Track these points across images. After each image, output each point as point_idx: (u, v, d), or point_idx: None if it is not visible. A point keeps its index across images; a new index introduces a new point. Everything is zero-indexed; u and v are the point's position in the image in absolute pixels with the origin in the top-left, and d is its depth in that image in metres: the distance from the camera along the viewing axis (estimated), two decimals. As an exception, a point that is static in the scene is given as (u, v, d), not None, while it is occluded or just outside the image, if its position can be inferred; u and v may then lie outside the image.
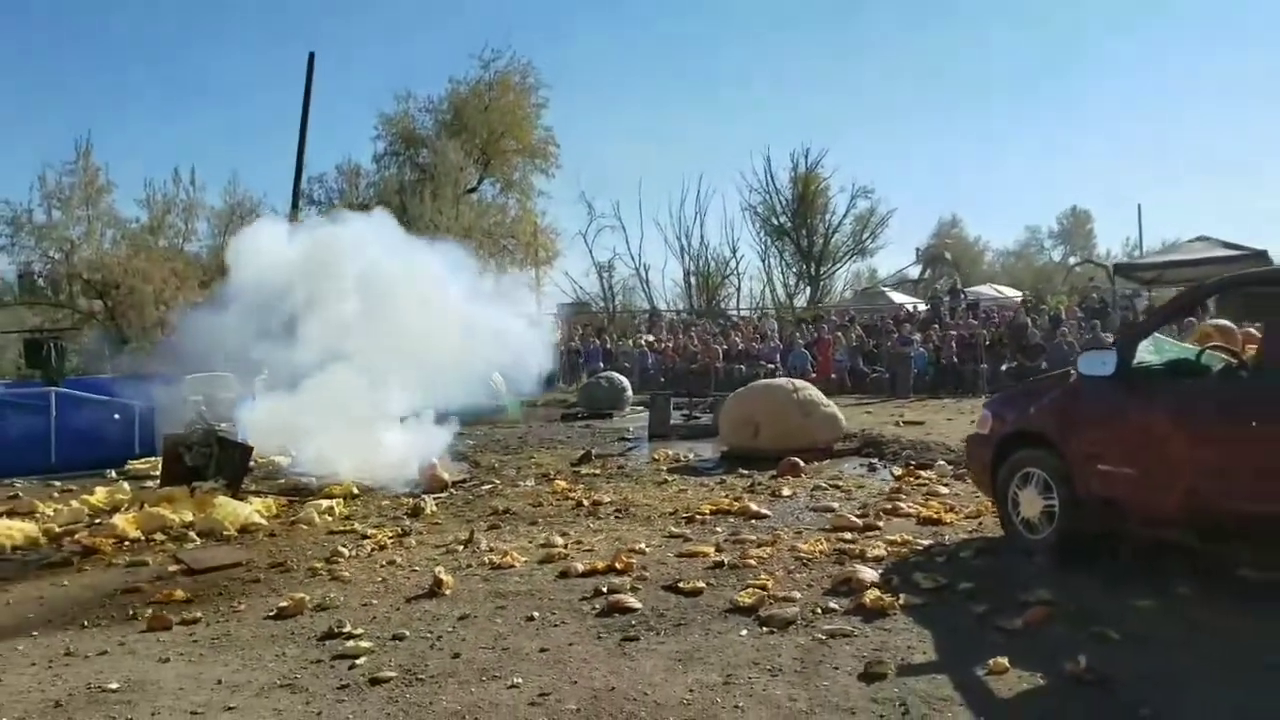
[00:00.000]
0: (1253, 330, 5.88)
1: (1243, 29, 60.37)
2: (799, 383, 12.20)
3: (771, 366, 21.26)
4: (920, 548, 6.42)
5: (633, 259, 37.58)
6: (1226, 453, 4.99)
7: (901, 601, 5.06)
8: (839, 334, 22.47)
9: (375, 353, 10.56)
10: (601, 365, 22.94)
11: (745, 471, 10.04)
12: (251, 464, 9.83)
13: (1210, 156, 62.94)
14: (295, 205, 25.62)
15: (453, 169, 33.44)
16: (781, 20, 62.62)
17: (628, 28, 60.29)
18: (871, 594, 5.15)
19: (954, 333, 20.96)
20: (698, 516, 7.73)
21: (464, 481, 10.09)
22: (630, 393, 18.44)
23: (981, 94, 64.22)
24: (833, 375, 20.69)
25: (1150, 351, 5.81)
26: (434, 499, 8.95)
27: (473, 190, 36.05)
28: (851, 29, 62.81)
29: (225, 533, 7.69)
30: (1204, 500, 5.11)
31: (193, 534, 7.63)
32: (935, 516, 7.31)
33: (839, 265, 39.70)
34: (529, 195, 38.20)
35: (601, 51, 60.32)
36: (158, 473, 9.92)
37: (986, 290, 32.56)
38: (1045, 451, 6.01)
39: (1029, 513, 6.05)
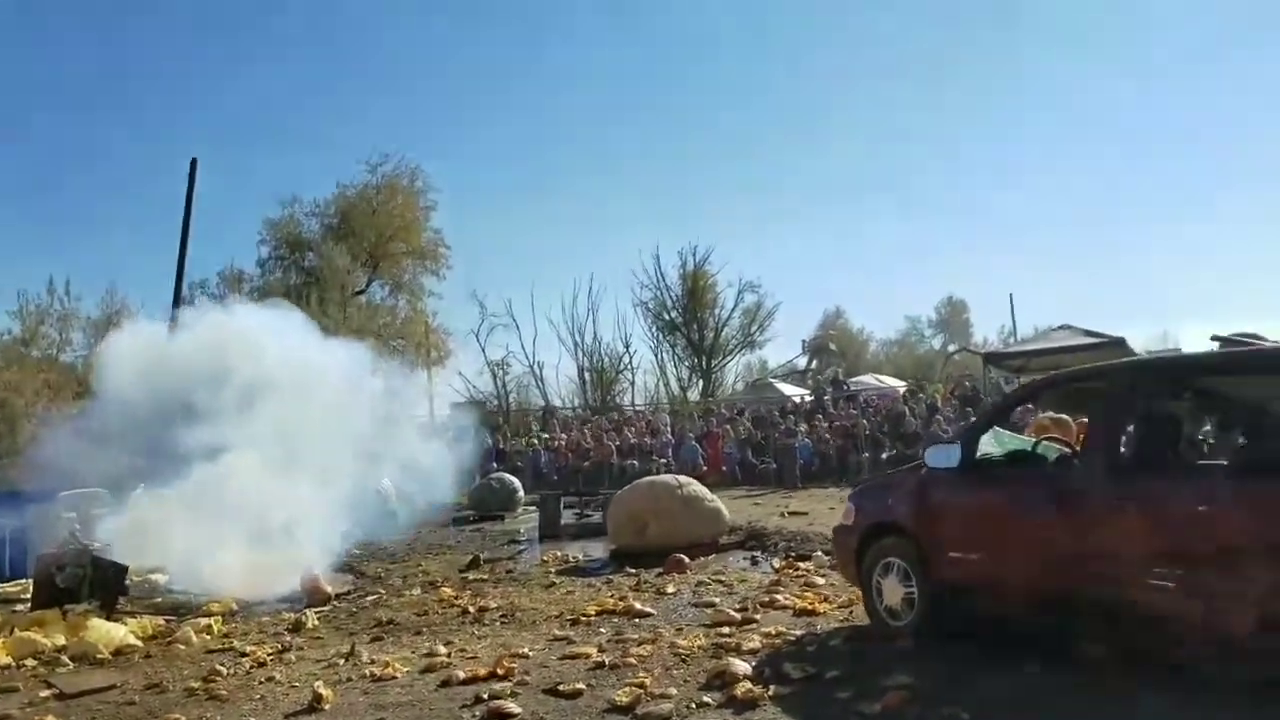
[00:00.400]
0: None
1: (1107, 124, 64.67)
2: (683, 479, 12.49)
3: (664, 461, 21.57)
4: (793, 638, 6.67)
5: (526, 356, 37.77)
6: (1061, 537, 5.39)
7: (771, 692, 5.28)
8: (728, 427, 22.94)
9: (257, 459, 10.48)
10: (494, 465, 22.89)
11: (633, 570, 10.20)
12: (127, 583, 9.59)
13: (1077, 245, 66.79)
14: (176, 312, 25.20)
15: (340, 272, 33.43)
16: (665, 120, 64.59)
17: (514, 129, 61.39)
18: (743, 686, 5.35)
19: (836, 423, 21.63)
20: (583, 618, 7.85)
21: (348, 593, 10.01)
22: (522, 493, 18.45)
23: (859, 187, 67.08)
24: (723, 468, 21.11)
25: (992, 444, 6.26)
26: (316, 612, 8.86)
27: (361, 293, 36.01)
28: (732, 128, 65.20)
29: (99, 655, 7.49)
30: (1045, 582, 5.50)
31: (65, 658, 7.41)
32: (810, 607, 7.59)
33: (729, 358, 40.75)
34: (419, 296, 38.33)
35: (490, 152, 61.14)
36: (29, 596, 9.60)
37: (869, 380, 33.63)
38: (903, 541, 6.38)
39: (891, 600, 6.38)
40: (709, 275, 39.26)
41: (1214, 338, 5.50)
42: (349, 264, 34.54)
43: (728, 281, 39.33)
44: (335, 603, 9.49)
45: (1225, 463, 5.72)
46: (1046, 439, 6.32)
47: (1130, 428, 5.56)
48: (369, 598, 9.65)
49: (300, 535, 10.64)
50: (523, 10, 62.34)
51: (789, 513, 14.49)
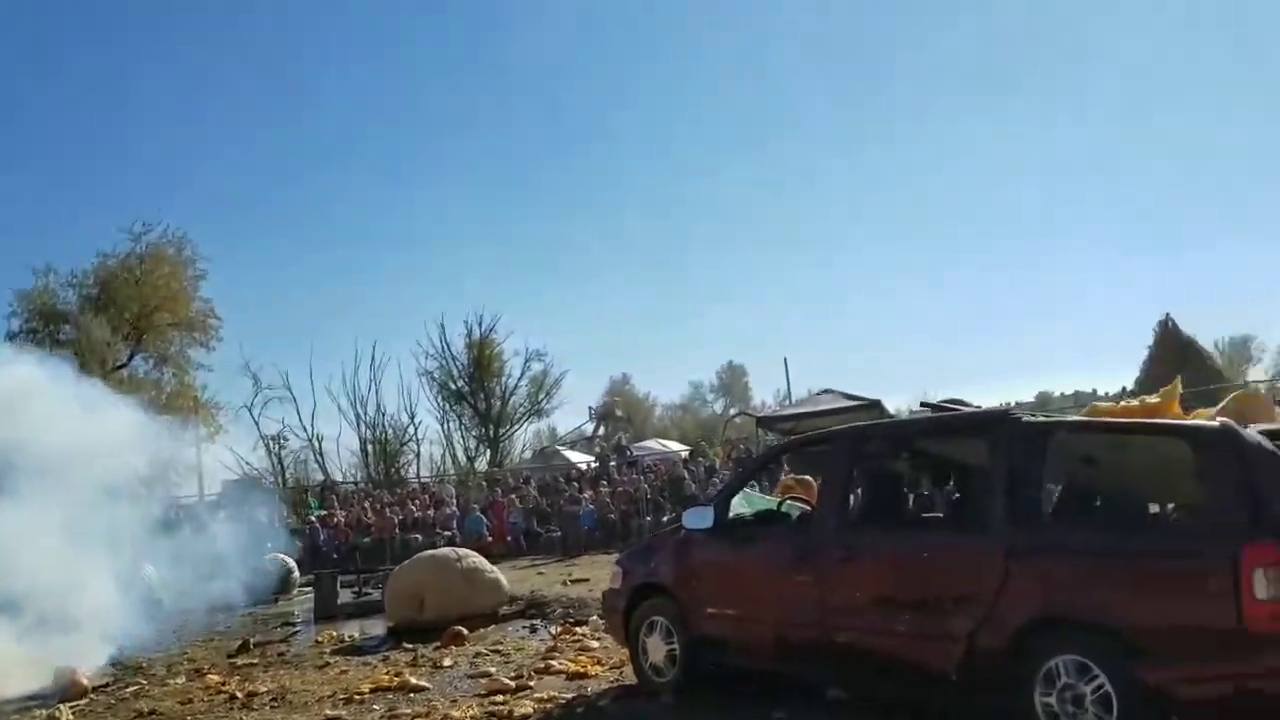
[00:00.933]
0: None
1: (866, 198, 69.52)
2: (463, 551, 12.53)
3: (448, 534, 21.33)
4: (565, 701, 6.90)
5: (305, 430, 36.52)
6: (801, 589, 5.88)
7: (539, 755, 5.48)
8: (513, 496, 23.01)
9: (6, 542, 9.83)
10: (269, 545, 21.94)
11: (410, 645, 10.13)
12: None
13: (847, 310, 71.31)
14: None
15: (99, 346, 31.49)
16: (447, 187, 64.49)
17: (290, 194, 59.92)
18: (512, 751, 5.53)
19: (620, 488, 22.11)
20: (356, 696, 7.78)
21: (107, 685, 9.45)
22: (297, 574, 17.88)
23: (645, 255, 69.18)
24: (508, 538, 21.13)
25: (743, 504, 6.77)
26: (71, 707, 8.37)
27: (122, 366, 33.98)
28: (516, 196, 65.94)
29: None
30: (789, 633, 5.98)
31: None
32: (583, 671, 7.83)
33: (517, 427, 40.77)
34: (187, 369, 36.51)
35: (265, 219, 59.24)
36: None
37: (653, 444, 34.53)
38: (666, 600, 6.75)
39: (655, 658, 6.72)
40: (495, 344, 39.39)
41: (923, 404, 6.20)
42: (109, 336, 32.62)
43: (515, 350, 39.57)
44: (93, 695, 8.96)
45: (941, 516, 6.45)
46: (790, 498, 6.89)
47: (857, 486, 6.17)
48: (129, 689, 9.17)
49: (55, 625, 10.00)
50: (295, 70, 61.08)
51: (571, 580, 14.69)
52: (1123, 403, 5.88)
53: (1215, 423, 4.66)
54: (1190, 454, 4.60)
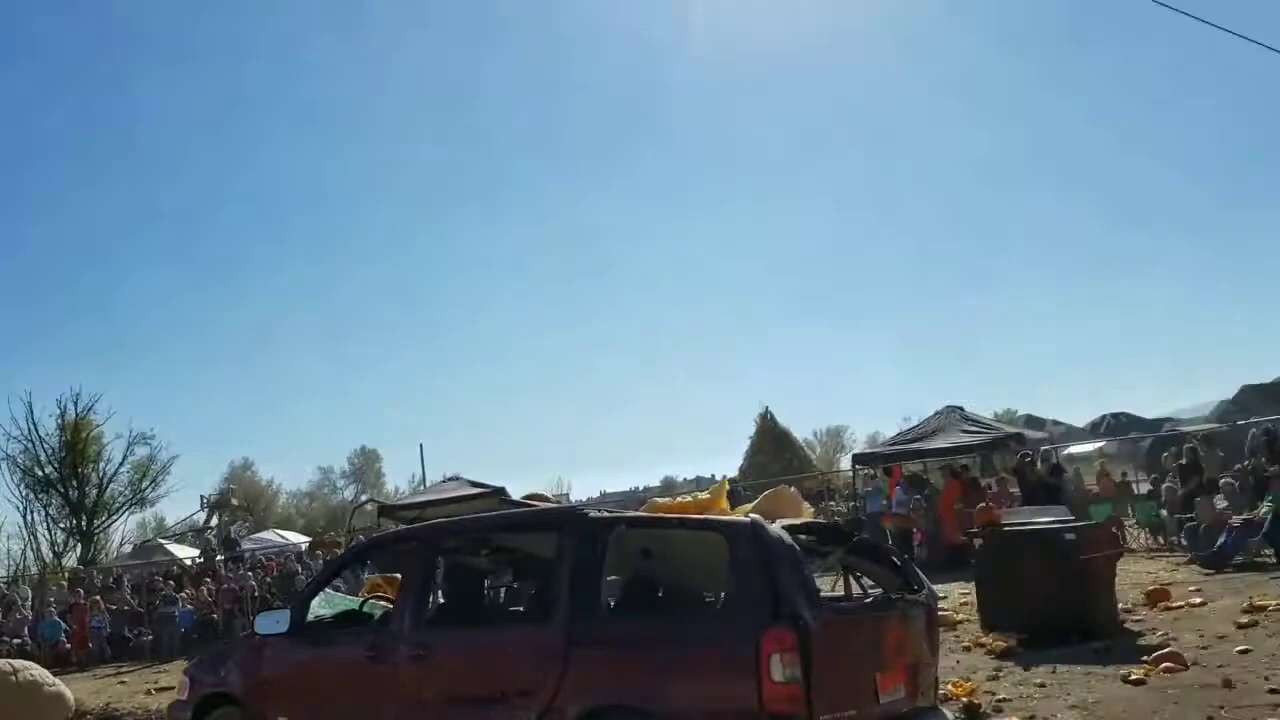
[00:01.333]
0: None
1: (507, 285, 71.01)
2: (19, 664, 10.85)
3: (18, 641, 18.84)
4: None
5: None
6: (380, 691, 5.74)
7: None
8: (98, 598, 20.75)
9: None
10: None
11: (-61, 779, 8.79)
12: None
13: (489, 393, 72.24)
14: None
15: None
16: (35, 265, 58.50)
17: None
18: None
19: (225, 586, 20.63)
20: None
21: None
22: None
23: (261, 340, 66.17)
24: (90, 645, 18.98)
25: (324, 605, 6.55)
26: None
27: None
28: (117, 278, 61.03)
29: None
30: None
31: None
32: (142, 792, 7.17)
33: (115, 518, 37.18)
34: None
35: None
36: None
37: (271, 536, 32.62)
38: (235, 710, 6.36)
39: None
40: (94, 425, 35.85)
41: (503, 500, 6.38)
42: None
43: (116, 433, 36.16)
44: None
45: (519, 610, 6.60)
46: (373, 597, 6.76)
47: (438, 583, 6.18)
48: None
49: None
50: None
51: (156, 689, 13.43)
52: (678, 498, 6.37)
53: (745, 518, 5.15)
54: (725, 547, 5.04)
